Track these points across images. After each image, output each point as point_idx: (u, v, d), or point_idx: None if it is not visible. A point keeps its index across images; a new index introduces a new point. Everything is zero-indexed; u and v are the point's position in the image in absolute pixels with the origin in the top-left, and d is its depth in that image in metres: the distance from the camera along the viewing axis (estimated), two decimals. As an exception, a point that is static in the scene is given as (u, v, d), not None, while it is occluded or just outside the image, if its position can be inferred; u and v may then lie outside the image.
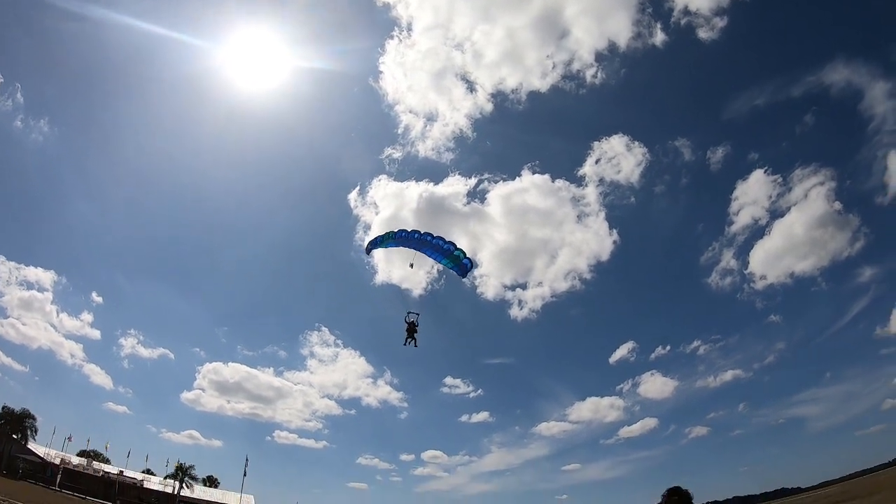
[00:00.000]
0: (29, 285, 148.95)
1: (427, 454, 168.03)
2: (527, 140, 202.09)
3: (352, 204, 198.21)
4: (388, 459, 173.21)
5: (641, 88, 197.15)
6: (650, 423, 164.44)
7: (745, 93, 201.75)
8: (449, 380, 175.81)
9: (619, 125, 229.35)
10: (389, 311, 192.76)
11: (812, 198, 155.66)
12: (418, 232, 26.17)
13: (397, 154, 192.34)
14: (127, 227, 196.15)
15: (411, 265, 29.91)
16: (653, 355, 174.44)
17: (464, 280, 28.26)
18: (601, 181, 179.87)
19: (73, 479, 68.78)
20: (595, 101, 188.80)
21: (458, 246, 26.70)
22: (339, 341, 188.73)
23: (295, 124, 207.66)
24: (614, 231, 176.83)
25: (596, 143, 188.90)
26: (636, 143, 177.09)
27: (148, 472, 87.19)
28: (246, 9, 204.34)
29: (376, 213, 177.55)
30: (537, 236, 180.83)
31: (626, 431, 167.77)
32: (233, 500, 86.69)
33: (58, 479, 65.33)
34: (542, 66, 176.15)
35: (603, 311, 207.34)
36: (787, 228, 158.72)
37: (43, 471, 67.53)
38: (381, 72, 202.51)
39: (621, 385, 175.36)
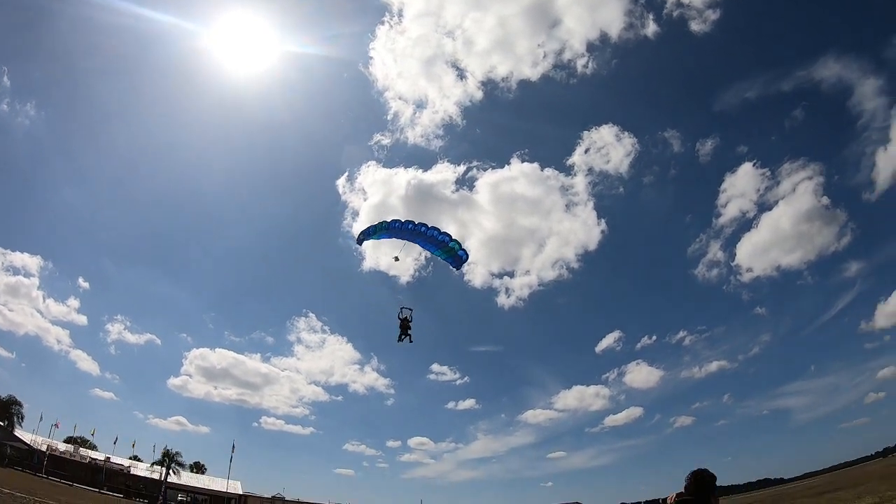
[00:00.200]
0: (15, 271, 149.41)
1: (413, 441, 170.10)
2: (516, 128, 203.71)
3: (340, 190, 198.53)
4: (375, 446, 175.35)
5: (632, 79, 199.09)
6: (635, 412, 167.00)
7: (736, 86, 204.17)
8: (436, 367, 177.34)
9: (610, 115, 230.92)
10: (377, 298, 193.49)
11: (800, 192, 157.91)
12: (412, 222, 25.18)
13: (386, 141, 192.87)
14: (114, 213, 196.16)
15: (396, 258, 29.68)
16: (639, 345, 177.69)
17: (451, 269, 27.59)
18: (590, 171, 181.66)
19: (60, 465, 68.26)
20: (585, 91, 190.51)
21: (454, 237, 25.93)
22: (326, 327, 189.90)
23: (284, 109, 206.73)
24: (602, 221, 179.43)
25: (586, 132, 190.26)
26: (626, 133, 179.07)
27: (135, 458, 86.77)
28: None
29: (364, 200, 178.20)
30: (525, 225, 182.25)
31: (611, 420, 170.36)
32: (220, 486, 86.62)
33: (44, 466, 64.88)
34: (532, 55, 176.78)
35: (590, 300, 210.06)
36: (774, 222, 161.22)
37: (30, 457, 66.99)
38: (371, 58, 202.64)
39: (607, 374, 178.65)
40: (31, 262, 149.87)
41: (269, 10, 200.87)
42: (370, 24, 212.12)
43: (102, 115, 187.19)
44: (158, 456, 76.84)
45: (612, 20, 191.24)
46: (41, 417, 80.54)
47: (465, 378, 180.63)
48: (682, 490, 5.48)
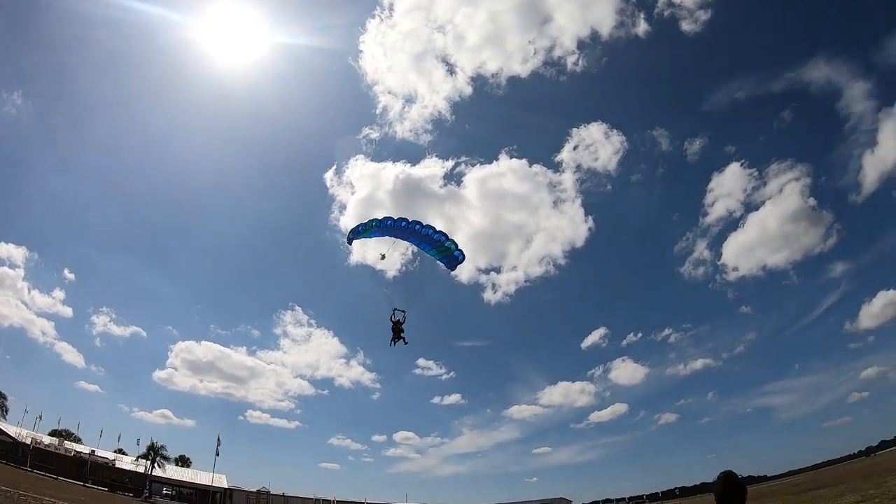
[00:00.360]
0: (0, 262, 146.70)
1: (399, 435, 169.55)
2: (505, 124, 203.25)
3: (328, 183, 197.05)
4: (361, 440, 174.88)
5: (622, 77, 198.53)
6: (620, 408, 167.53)
7: (726, 86, 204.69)
8: (422, 361, 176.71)
9: (599, 113, 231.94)
10: (364, 292, 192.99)
11: (787, 193, 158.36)
12: (405, 220, 23.72)
13: (375, 134, 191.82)
14: (101, 204, 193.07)
15: (383, 256, 27.96)
16: (624, 342, 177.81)
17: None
18: (578, 168, 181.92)
19: (45, 458, 67.83)
20: (575, 89, 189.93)
21: (450, 237, 24.52)
22: (312, 321, 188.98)
23: (272, 101, 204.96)
24: (590, 218, 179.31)
25: (574, 129, 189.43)
26: (615, 131, 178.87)
27: (120, 451, 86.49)
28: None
29: (352, 193, 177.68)
30: (513, 221, 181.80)
31: (596, 416, 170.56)
32: (205, 479, 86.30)
33: (29, 459, 64.45)
34: (523, 52, 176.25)
35: (576, 296, 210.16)
36: (760, 222, 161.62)
37: (14, 451, 66.51)
38: (361, 51, 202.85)
39: (592, 370, 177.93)
40: (17, 252, 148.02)
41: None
42: (361, 17, 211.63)
43: (90, 106, 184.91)
44: (143, 449, 76.55)
45: (604, 18, 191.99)
46: (26, 410, 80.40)
47: (451, 373, 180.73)
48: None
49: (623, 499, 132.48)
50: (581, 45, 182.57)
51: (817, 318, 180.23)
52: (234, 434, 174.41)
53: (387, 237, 25.14)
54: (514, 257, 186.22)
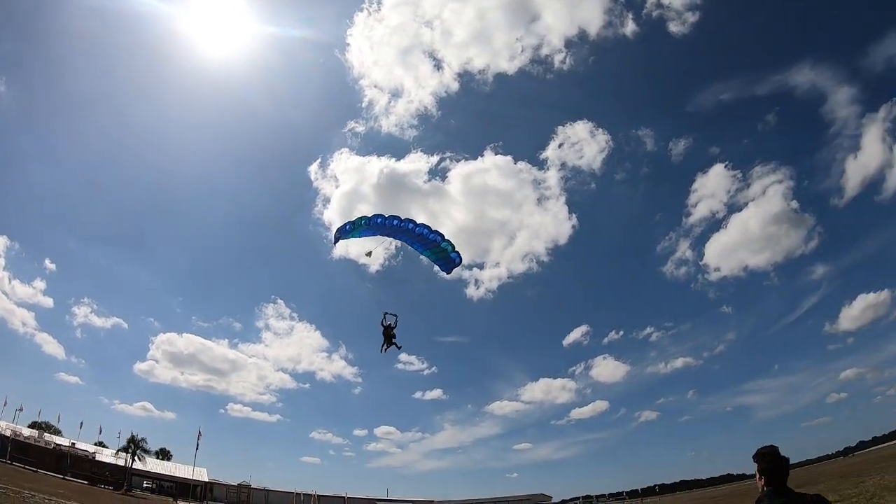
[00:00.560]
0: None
1: (380, 430, 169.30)
2: (491, 121, 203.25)
3: (312, 176, 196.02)
4: (342, 434, 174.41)
5: (609, 77, 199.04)
6: (601, 405, 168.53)
7: (711, 87, 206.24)
8: (403, 356, 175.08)
9: (585, 112, 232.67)
10: (346, 287, 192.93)
11: (770, 195, 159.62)
12: (398, 218, 21.98)
13: (360, 128, 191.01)
14: (83, 193, 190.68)
15: (369, 254, 27.19)
16: (606, 339, 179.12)
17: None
18: (563, 165, 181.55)
19: (24, 451, 67.04)
20: (562, 87, 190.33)
21: (447, 237, 22.78)
22: (294, 314, 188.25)
23: (257, 93, 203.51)
24: (573, 216, 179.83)
25: (560, 127, 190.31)
26: (600, 130, 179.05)
27: (100, 444, 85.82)
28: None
29: (336, 187, 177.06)
30: (496, 217, 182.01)
31: (577, 413, 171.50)
32: (185, 473, 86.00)
33: (8, 452, 63.80)
34: (510, 49, 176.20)
35: (558, 294, 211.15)
36: (743, 223, 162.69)
37: (-7, 443, 65.93)
38: (348, 44, 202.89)
39: (574, 367, 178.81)
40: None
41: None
42: (348, 9, 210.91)
43: (74, 95, 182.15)
44: (124, 442, 76.05)
45: (592, 18, 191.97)
46: (5, 402, 79.09)
47: (433, 368, 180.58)
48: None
49: (603, 495, 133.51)
50: (568, 43, 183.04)
51: (797, 319, 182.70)
52: (215, 427, 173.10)
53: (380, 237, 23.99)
54: (498, 254, 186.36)
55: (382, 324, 25.15)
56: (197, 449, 78.67)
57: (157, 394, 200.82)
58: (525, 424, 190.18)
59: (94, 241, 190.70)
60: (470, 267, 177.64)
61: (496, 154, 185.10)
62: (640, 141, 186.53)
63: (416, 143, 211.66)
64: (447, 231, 21.09)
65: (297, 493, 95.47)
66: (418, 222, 22.24)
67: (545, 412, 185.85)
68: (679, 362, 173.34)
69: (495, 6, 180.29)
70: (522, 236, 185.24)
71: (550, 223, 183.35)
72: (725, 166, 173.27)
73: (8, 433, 68.64)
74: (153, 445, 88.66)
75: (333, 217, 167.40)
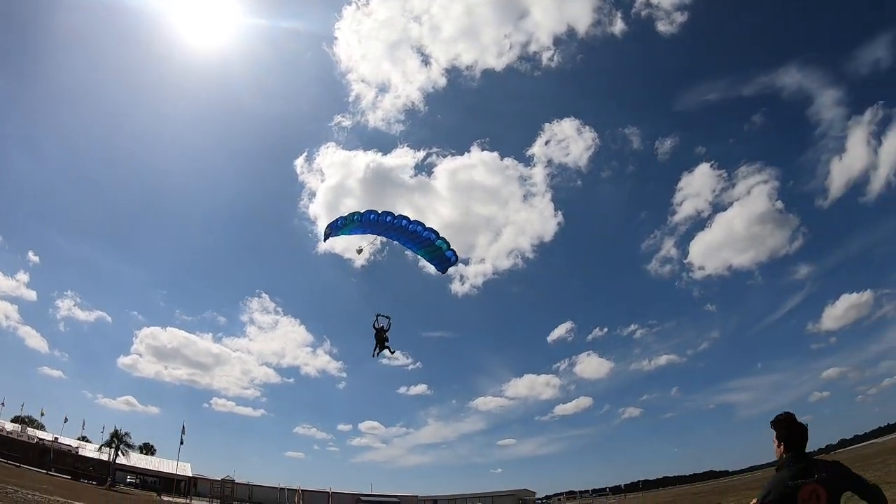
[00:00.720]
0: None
1: (364, 425, 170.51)
2: (478, 117, 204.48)
3: (298, 170, 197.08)
4: (326, 429, 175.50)
5: (596, 75, 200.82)
6: (585, 402, 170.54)
7: (699, 87, 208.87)
8: (388, 351, 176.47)
9: (572, 109, 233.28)
10: (331, 281, 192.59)
11: (755, 195, 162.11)
12: (391, 214, 20.86)
13: (347, 122, 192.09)
14: (67, 186, 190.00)
15: (360, 250, 26.01)
16: (590, 336, 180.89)
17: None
18: (549, 162, 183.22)
19: (7, 445, 66.43)
20: (549, 84, 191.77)
21: (441, 234, 21.74)
22: (279, 309, 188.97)
23: (244, 85, 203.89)
24: (559, 213, 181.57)
25: (547, 124, 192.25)
26: (587, 127, 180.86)
27: (83, 439, 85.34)
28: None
29: (322, 181, 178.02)
30: (482, 213, 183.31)
31: (561, 409, 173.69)
32: (169, 467, 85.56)
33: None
34: (498, 46, 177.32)
35: (543, 290, 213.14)
36: (728, 222, 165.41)
37: (-25, 437, 65.37)
38: (336, 38, 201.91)
39: (558, 364, 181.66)
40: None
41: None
42: (337, 3, 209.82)
43: (58, 86, 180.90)
44: (107, 437, 75.55)
45: (581, 15, 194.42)
46: (-13, 396, 78.49)
47: (418, 363, 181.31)
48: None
49: (586, 491, 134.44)
50: (557, 41, 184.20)
51: (781, 318, 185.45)
52: (199, 422, 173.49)
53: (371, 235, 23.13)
54: (483, 250, 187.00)
55: (374, 326, 23.74)
56: (181, 444, 78.00)
57: (140, 388, 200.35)
58: (509, 420, 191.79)
59: (78, 234, 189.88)
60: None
61: (483, 150, 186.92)
62: (626, 139, 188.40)
63: (403, 138, 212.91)
64: (432, 226, 20.82)
65: (281, 488, 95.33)
66: (412, 219, 21.30)
67: (529, 408, 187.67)
68: (663, 360, 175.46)
69: (484, 2, 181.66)
70: (508, 233, 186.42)
71: (536, 220, 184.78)
72: (711, 166, 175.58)
73: (-10, 428, 68.15)
74: (137, 440, 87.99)
75: (319, 211, 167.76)
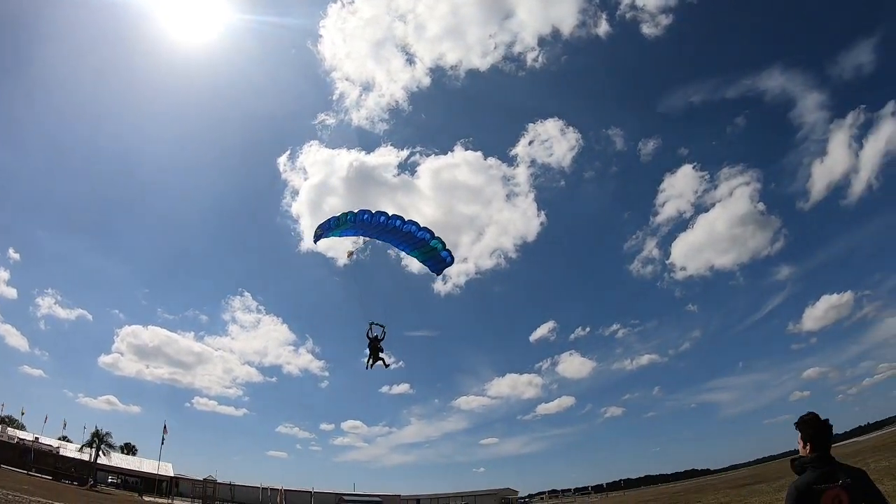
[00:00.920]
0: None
1: (347, 424, 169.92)
2: (462, 117, 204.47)
3: (281, 168, 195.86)
4: (308, 429, 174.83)
5: (580, 76, 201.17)
6: (567, 401, 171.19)
7: (682, 89, 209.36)
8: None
9: (556, 110, 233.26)
10: (314, 280, 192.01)
11: (737, 196, 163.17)
12: (385, 214, 19.91)
13: (330, 121, 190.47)
14: (47, 181, 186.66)
15: (351, 254, 25.07)
16: (572, 336, 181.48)
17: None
18: (533, 162, 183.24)
19: (-14, 445, 65.98)
20: (533, 85, 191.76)
21: (436, 234, 20.82)
22: (261, 307, 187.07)
23: (227, 81, 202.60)
24: (542, 212, 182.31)
25: (531, 124, 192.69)
26: (570, 128, 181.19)
27: (64, 438, 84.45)
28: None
29: (305, 179, 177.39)
30: (465, 212, 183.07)
31: (543, 408, 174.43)
32: (150, 467, 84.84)
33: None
34: (483, 46, 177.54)
35: (526, 290, 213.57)
36: (710, 224, 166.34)
37: (-47, 437, 64.51)
38: (321, 35, 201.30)
39: (540, 363, 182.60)
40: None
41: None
42: (322, 1, 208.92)
43: (38, 80, 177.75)
44: (88, 436, 74.87)
45: (566, 17, 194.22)
46: (-34, 396, 77.63)
47: (400, 363, 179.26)
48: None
49: (569, 490, 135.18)
50: (542, 41, 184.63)
51: (762, 318, 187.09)
52: (181, 421, 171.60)
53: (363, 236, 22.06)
54: (466, 249, 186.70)
55: (368, 336, 22.28)
56: (162, 443, 77.42)
57: (121, 387, 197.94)
58: (492, 419, 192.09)
59: (59, 232, 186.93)
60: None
61: (466, 149, 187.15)
62: (609, 140, 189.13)
63: (387, 137, 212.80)
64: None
65: (263, 488, 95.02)
66: (406, 219, 20.37)
67: (512, 407, 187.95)
68: (645, 359, 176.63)
69: (469, 2, 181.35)
70: (491, 232, 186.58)
71: (519, 220, 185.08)
72: (693, 167, 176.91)
73: (-31, 428, 67.29)
74: (118, 440, 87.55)
75: (302, 209, 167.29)
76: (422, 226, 20.59)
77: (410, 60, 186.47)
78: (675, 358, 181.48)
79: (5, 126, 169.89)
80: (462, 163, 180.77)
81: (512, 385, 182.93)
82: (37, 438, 75.92)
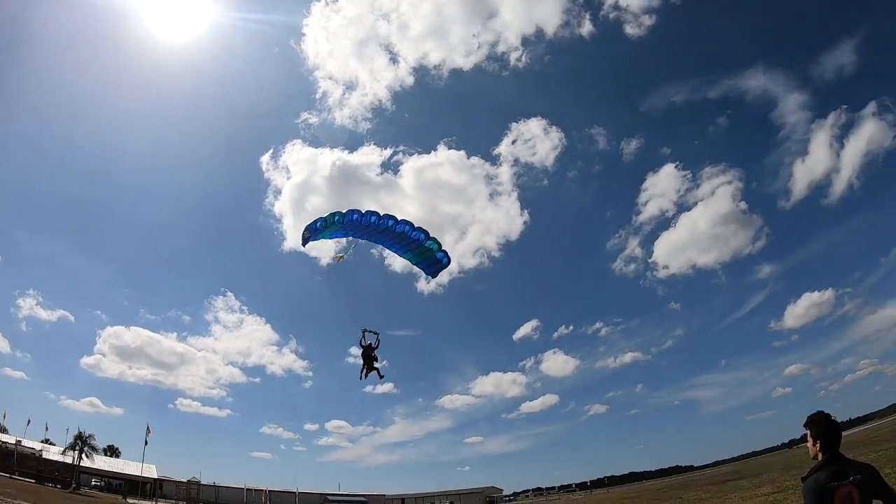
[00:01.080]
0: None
1: (331, 424, 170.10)
2: (445, 116, 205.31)
3: (263, 167, 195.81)
4: (292, 429, 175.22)
5: (564, 75, 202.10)
6: (551, 399, 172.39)
7: (665, 89, 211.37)
8: (354, 350, 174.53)
9: (539, 109, 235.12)
10: (297, 279, 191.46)
11: (719, 195, 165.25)
12: (376, 214, 18.62)
13: (314, 119, 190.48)
14: (27, 181, 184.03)
15: (341, 257, 23.24)
16: (556, 334, 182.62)
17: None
18: (516, 161, 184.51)
19: (-32, 449, 65.32)
20: (517, 84, 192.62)
21: (431, 235, 19.88)
22: (244, 307, 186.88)
23: (209, 79, 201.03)
24: (525, 211, 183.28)
25: (514, 124, 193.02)
26: (553, 127, 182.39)
27: (47, 441, 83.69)
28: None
29: (288, 178, 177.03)
30: (448, 211, 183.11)
31: (527, 407, 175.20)
32: (134, 469, 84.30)
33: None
34: (466, 45, 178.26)
35: (509, 288, 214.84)
36: (692, 222, 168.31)
37: (-65, 441, 63.77)
38: (304, 34, 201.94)
39: (524, 361, 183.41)
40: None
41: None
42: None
43: (17, 78, 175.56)
44: (71, 439, 74.29)
45: (549, 17, 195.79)
46: (-54, 399, 76.78)
47: (384, 362, 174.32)
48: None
49: (553, 488, 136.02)
50: (525, 41, 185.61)
51: (744, 316, 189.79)
52: (164, 423, 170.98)
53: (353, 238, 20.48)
54: (449, 248, 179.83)
55: (361, 344, 21.08)
56: (146, 445, 76.98)
57: (104, 389, 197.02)
58: (476, 418, 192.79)
59: (40, 232, 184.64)
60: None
61: (449, 149, 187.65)
62: (592, 139, 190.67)
63: (370, 136, 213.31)
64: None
65: (247, 489, 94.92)
66: (399, 219, 19.17)
67: (496, 406, 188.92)
68: (628, 357, 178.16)
69: (453, 1, 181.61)
70: (474, 231, 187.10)
71: (502, 218, 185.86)
72: (676, 166, 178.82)
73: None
74: (101, 442, 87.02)
75: (285, 209, 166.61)
76: (416, 226, 19.60)
77: (394, 59, 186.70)
78: (658, 356, 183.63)
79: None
80: (445, 162, 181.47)
81: (496, 384, 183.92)
82: (19, 441, 75.02)
